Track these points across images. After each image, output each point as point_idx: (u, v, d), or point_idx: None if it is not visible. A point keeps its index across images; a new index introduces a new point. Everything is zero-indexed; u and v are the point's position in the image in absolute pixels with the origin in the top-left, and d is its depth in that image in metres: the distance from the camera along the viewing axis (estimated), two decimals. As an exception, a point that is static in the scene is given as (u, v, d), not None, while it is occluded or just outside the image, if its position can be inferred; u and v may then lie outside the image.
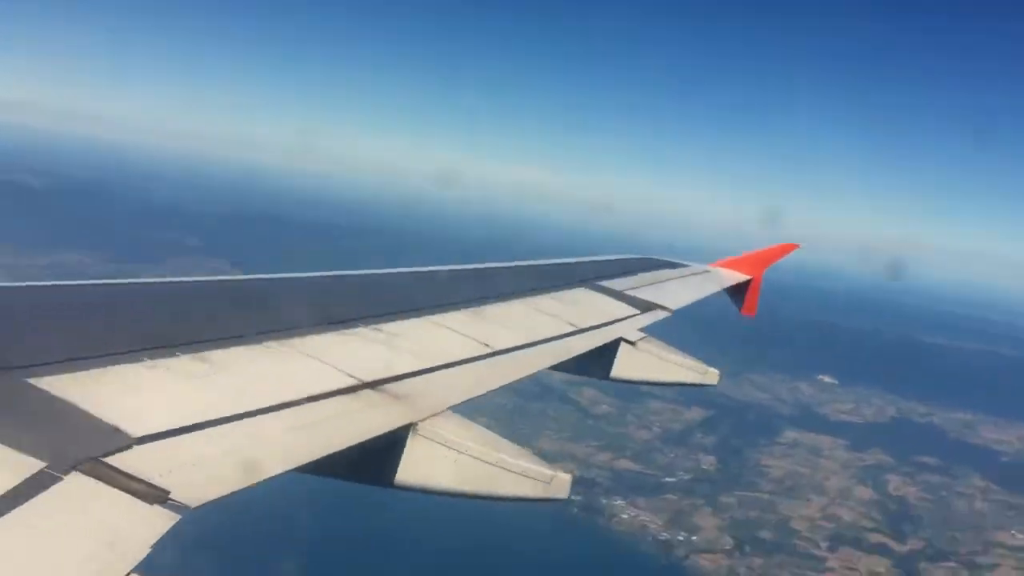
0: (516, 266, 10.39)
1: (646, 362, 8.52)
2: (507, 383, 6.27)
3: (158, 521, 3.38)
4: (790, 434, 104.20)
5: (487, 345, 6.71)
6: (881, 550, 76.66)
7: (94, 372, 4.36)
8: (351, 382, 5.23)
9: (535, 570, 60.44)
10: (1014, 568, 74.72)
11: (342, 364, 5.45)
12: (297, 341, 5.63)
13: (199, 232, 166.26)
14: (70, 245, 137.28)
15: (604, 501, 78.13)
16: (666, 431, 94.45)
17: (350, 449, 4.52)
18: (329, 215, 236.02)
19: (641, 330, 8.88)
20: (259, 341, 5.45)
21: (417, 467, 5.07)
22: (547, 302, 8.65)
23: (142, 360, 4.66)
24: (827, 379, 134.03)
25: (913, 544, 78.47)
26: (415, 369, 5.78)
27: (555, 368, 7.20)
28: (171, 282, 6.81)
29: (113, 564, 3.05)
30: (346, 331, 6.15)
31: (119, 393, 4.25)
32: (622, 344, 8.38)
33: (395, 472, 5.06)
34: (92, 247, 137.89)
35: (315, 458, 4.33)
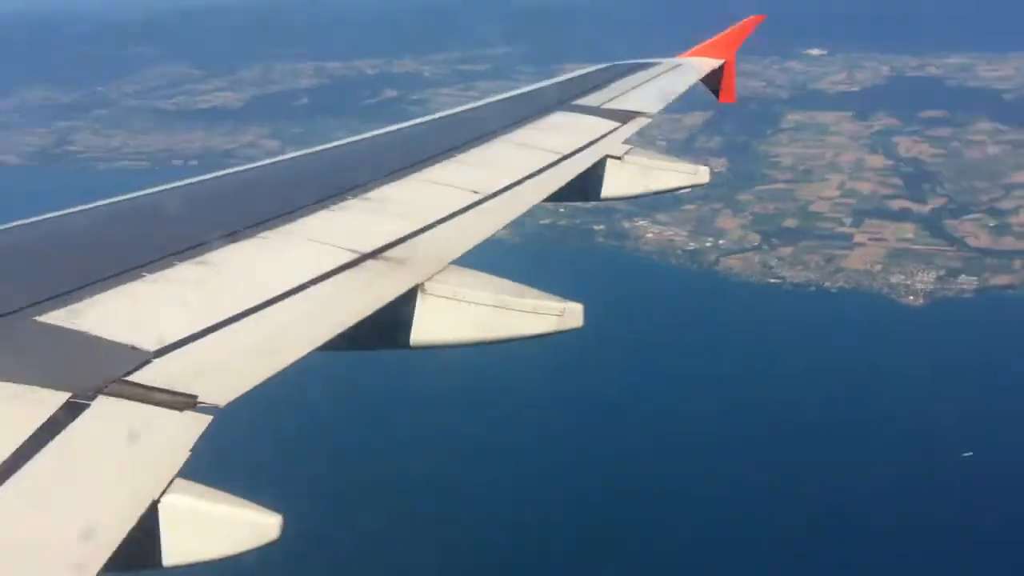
0: (487, 104, 10.37)
1: (636, 175, 8.43)
2: (503, 226, 6.34)
3: (191, 426, 3.53)
4: (792, 117, 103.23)
5: (476, 192, 6.72)
6: (904, 215, 77.56)
7: (98, 297, 4.41)
8: (352, 256, 5.31)
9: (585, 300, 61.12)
10: (1038, 206, 75.58)
11: (339, 240, 5.55)
12: (290, 226, 5.72)
13: (154, 40, 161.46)
14: (29, 82, 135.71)
15: (626, 224, 78.50)
16: (670, 142, 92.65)
17: (364, 320, 4.64)
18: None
19: (625, 142, 8.74)
20: (252, 235, 5.51)
21: (431, 325, 5.21)
22: (526, 134, 8.60)
23: (141, 276, 4.70)
24: (815, 52, 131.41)
25: (934, 203, 79.29)
26: (412, 231, 5.84)
27: (547, 200, 7.17)
28: (150, 193, 6.65)
29: (157, 474, 3.25)
30: (335, 206, 6.20)
31: (127, 313, 4.33)
32: (609, 161, 8.27)
33: (409, 334, 5.21)
34: (52, 80, 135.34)
35: (333, 335, 4.45)
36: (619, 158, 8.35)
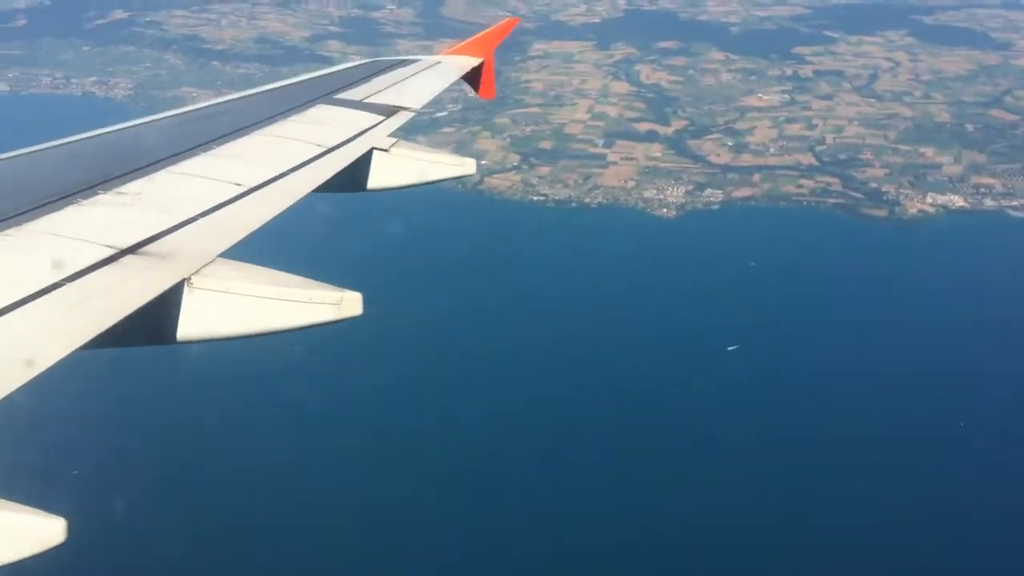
0: (245, 96, 10.03)
1: (403, 166, 8.53)
2: (270, 218, 6.14)
3: None
4: (539, 46, 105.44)
5: (239, 184, 6.50)
6: (651, 136, 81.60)
7: None
8: (109, 252, 5.00)
9: (367, 233, 59.97)
10: (769, 127, 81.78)
11: (94, 236, 5.19)
12: (36, 223, 5.28)
13: None
14: None
15: (386, 148, 77.15)
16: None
17: (128, 317, 4.41)
18: None
19: (391, 135, 8.70)
20: None
21: (199, 319, 5.03)
22: (288, 127, 8.43)
23: None
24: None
25: (677, 125, 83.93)
26: (172, 224, 5.57)
27: (315, 191, 7.07)
28: None
29: None
30: (86, 201, 5.79)
31: None
32: (375, 153, 8.26)
33: (176, 330, 5.03)
34: None
35: (95, 335, 4.21)
36: (386, 150, 8.36)
